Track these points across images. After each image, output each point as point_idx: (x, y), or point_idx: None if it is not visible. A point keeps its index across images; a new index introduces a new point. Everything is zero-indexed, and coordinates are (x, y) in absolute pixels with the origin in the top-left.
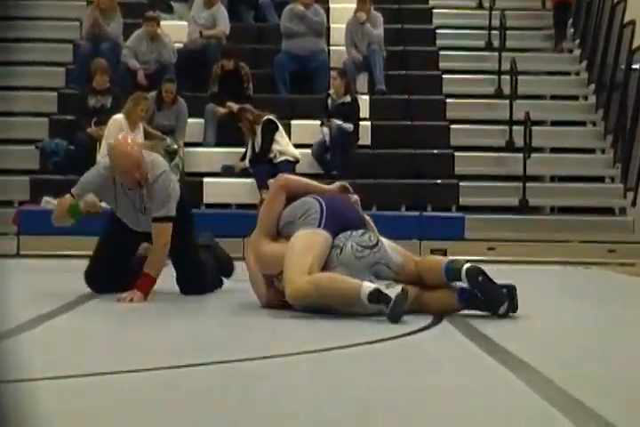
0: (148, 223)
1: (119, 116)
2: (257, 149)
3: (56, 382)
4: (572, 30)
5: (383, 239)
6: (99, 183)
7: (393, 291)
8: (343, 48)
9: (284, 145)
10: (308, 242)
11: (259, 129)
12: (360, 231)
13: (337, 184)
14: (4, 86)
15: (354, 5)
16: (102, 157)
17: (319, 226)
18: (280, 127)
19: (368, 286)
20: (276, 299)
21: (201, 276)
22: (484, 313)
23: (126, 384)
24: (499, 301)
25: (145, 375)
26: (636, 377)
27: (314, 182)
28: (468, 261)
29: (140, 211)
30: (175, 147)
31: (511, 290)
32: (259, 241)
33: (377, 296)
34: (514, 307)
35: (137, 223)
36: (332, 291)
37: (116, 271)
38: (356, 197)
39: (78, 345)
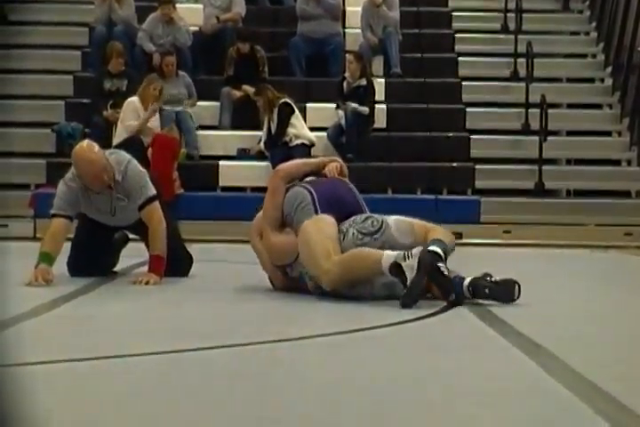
0: (121, 220)
1: (134, 99)
2: (273, 132)
3: (77, 364)
4: (588, 13)
5: (392, 219)
6: (73, 196)
7: (411, 263)
8: (359, 31)
9: (299, 128)
10: (317, 228)
11: (275, 112)
12: (363, 216)
13: (330, 159)
14: (21, 69)
15: None
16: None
17: (316, 213)
18: (296, 111)
19: (387, 259)
20: (289, 286)
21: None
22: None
23: (140, 367)
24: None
25: (168, 357)
26: None
27: (308, 160)
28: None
29: (111, 213)
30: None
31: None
32: (266, 232)
33: (396, 271)
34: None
35: (109, 221)
36: (359, 267)
37: (95, 259)
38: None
39: (97, 329)
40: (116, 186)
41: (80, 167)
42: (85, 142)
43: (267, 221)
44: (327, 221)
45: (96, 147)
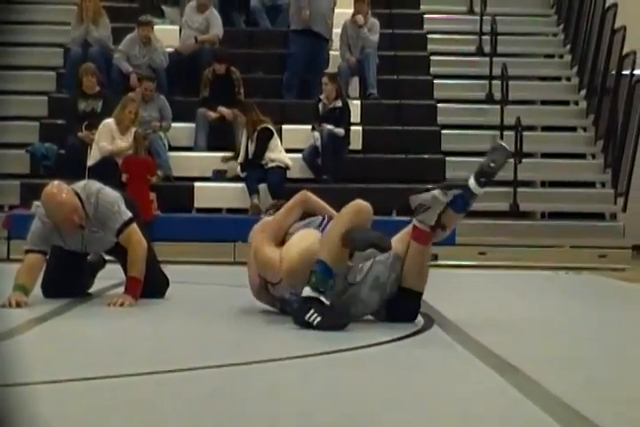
0: (95, 248)
1: (109, 121)
2: (250, 155)
3: (52, 385)
4: (562, 36)
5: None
6: (46, 232)
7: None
8: (335, 53)
9: (276, 152)
10: (305, 234)
11: (254, 135)
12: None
13: None
14: (3, 90)
15: (349, 10)
16: (38, 206)
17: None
18: (275, 135)
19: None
20: (264, 299)
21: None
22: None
23: (118, 388)
24: None
25: (137, 379)
26: (622, 377)
27: (328, 207)
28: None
29: (82, 249)
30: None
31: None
32: (263, 240)
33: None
34: None
35: (82, 251)
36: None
37: (69, 281)
38: None
39: (72, 348)
40: (87, 222)
41: (49, 209)
42: (55, 184)
43: (269, 232)
44: (317, 234)
45: (65, 188)
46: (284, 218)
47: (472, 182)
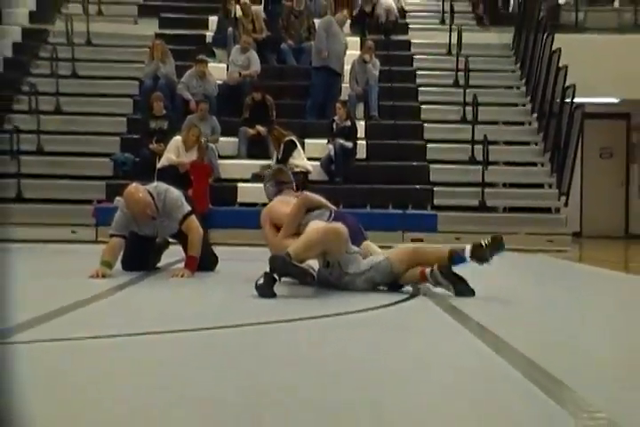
0: (163, 234)
1: (178, 138)
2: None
3: (126, 338)
4: (519, 72)
5: (369, 260)
6: (126, 221)
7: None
8: (346, 85)
9: (299, 160)
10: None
11: (280, 148)
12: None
13: None
14: (88, 112)
15: (357, 52)
16: (118, 200)
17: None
18: (298, 146)
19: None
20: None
21: (207, 256)
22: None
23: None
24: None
25: (189, 334)
26: (575, 335)
27: (325, 201)
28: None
29: (154, 234)
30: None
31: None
32: (280, 237)
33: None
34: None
35: (153, 235)
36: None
37: (142, 258)
38: None
39: (144, 309)
40: (158, 214)
41: (129, 205)
42: (134, 185)
43: (285, 231)
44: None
45: (141, 189)
46: (293, 220)
47: (467, 256)
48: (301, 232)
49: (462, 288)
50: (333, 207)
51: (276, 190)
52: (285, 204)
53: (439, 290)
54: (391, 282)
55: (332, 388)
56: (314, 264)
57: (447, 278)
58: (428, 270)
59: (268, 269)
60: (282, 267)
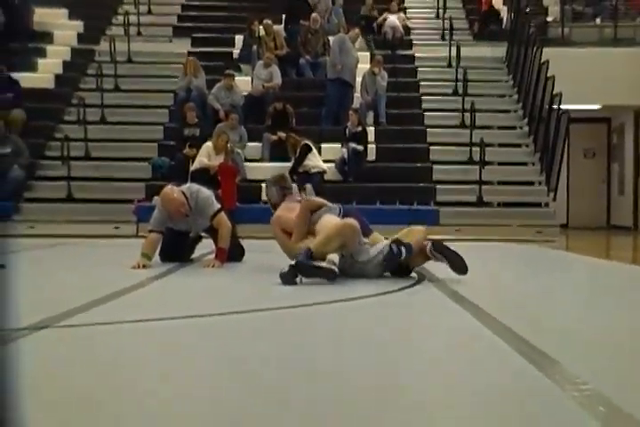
0: (196, 230)
1: (209, 144)
2: (294, 165)
3: (161, 322)
4: (511, 81)
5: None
6: (162, 218)
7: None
8: (357, 95)
9: (315, 162)
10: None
11: (297, 151)
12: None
13: None
14: (129, 122)
15: (367, 66)
16: (156, 200)
17: (338, 215)
18: (314, 149)
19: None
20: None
21: (235, 248)
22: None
23: (206, 324)
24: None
25: (221, 318)
26: (555, 312)
27: (326, 202)
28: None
29: (188, 230)
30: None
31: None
32: (294, 240)
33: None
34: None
35: (188, 230)
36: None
37: (178, 250)
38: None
39: (180, 295)
40: (191, 212)
41: (165, 204)
42: (169, 186)
43: (296, 235)
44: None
45: (176, 189)
46: (301, 224)
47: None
48: (312, 230)
49: (456, 262)
50: (334, 206)
51: (281, 194)
52: (291, 210)
53: (443, 275)
54: (400, 269)
55: (347, 353)
56: (334, 258)
57: (441, 253)
58: (428, 246)
59: (292, 262)
60: (307, 272)
